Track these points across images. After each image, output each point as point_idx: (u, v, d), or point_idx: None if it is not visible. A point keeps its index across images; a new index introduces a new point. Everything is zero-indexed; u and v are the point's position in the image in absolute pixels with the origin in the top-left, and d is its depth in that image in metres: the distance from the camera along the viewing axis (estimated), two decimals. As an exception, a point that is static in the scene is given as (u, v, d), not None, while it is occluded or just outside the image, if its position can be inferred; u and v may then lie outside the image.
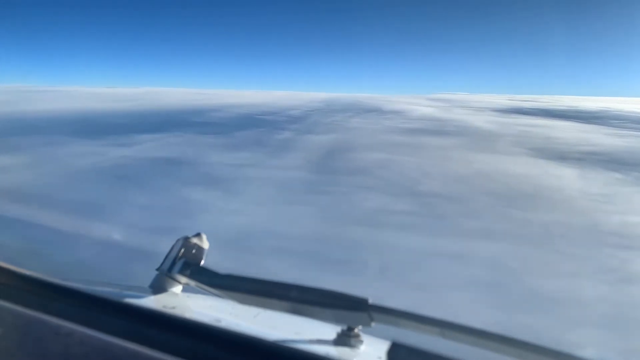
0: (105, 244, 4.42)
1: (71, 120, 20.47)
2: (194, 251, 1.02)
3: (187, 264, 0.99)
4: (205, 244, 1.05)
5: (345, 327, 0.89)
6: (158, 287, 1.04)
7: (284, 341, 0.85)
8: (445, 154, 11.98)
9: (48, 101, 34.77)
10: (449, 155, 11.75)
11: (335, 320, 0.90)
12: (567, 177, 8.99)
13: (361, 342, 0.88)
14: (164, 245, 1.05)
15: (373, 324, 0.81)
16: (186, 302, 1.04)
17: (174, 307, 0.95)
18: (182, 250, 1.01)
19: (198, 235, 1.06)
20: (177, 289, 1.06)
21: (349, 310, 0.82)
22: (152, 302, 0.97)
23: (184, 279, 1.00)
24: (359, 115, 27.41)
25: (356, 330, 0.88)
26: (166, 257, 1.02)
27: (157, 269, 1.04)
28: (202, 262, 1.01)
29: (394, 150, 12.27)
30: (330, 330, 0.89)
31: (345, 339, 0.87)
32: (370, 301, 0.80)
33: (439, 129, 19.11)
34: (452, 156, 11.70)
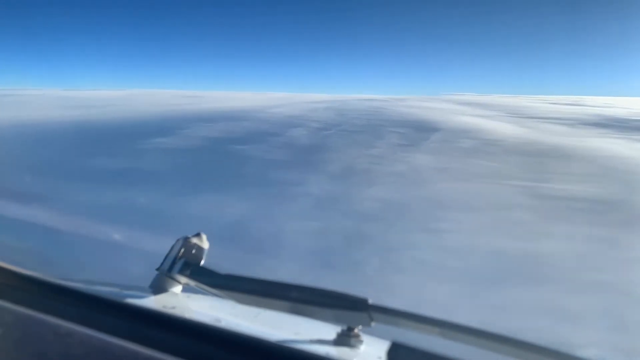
0: None
1: None
2: (194, 251, 1.02)
3: (187, 264, 0.99)
4: (205, 244, 1.05)
5: (345, 327, 0.89)
6: (158, 287, 1.04)
7: (284, 341, 0.85)
8: None
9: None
10: None
11: (335, 320, 0.90)
12: None
13: (361, 342, 0.88)
14: None
15: (373, 324, 0.81)
16: (186, 302, 1.04)
17: (174, 307, 0.95)
18: (182, 250, 1.01)
19: (198, 235, 1.06)
20: (177, 289, 1.06)
21: (349, 310, 0.82)
22: (152, 302, 0.97)
23: (184, 279, 1.00)
24: (413, 140, 14.14)
25: (356, 330, 0.88)
26: (166, 257, 1.02)
27: (157, 269, 1.04)
28: (202, 262, 1.01)
29: None
30: (330, 330, 0.89)
31: (345, 339, 0.88)
32: (370, 301, 0.80)
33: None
34: None
